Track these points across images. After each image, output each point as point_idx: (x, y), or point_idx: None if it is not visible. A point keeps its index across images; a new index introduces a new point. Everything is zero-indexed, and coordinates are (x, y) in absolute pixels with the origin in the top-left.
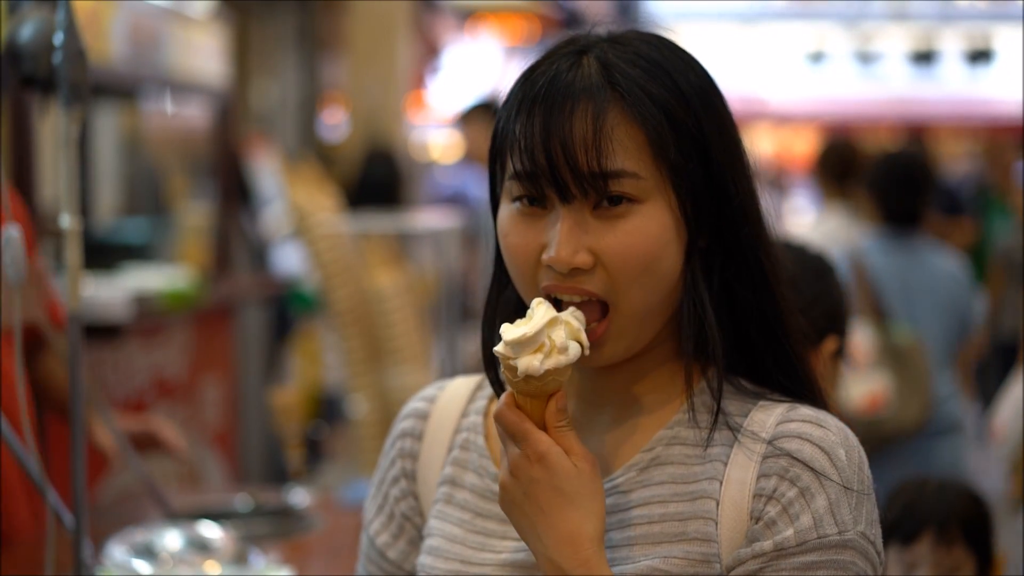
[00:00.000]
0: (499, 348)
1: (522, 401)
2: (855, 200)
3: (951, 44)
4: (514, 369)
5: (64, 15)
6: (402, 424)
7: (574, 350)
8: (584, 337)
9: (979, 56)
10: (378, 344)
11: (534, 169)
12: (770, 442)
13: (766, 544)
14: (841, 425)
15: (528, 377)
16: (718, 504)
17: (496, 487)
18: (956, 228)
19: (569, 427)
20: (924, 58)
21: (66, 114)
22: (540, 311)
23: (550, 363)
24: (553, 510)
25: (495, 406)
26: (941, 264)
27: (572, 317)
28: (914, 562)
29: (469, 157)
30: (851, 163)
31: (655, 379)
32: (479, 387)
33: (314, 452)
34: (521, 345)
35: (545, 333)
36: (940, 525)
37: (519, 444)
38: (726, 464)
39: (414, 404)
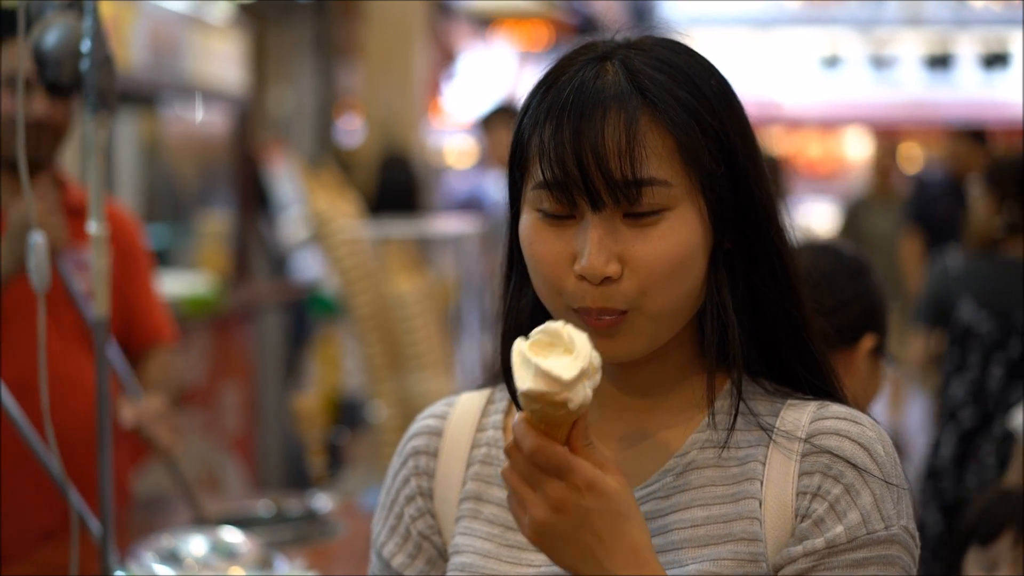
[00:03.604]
0: (541, 387)
1: (546, 428)
2: None
3: (966, 48)
4: (562, 403)
5: (91, 22)
6: (413, 442)
7: (599, 362)
8: (596, 355)
9: (995, 60)
10: (399, 350)
11: (565, 178)
12: (807, 440)
13: (818, 542)
14: (873, 421)
15: (579, 407)
16: (761, 504)
17: None
18: None
19: (592, 443)
20: (940, 62)
21: (92, 121)
22: (578, 338)
23: (590, 386)
24: (613, 533)
25: (524, 440)
26: None
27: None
28: (995, 560)
29: (489, 161)
30: None
31: (679, 383)
32: (490, 401)
33: (335, 458)
34: (578, 379)
35: (589, 359)
36: (1021, 525)
37: (563, 477)
38: (764, 464)
39: (424, 421)
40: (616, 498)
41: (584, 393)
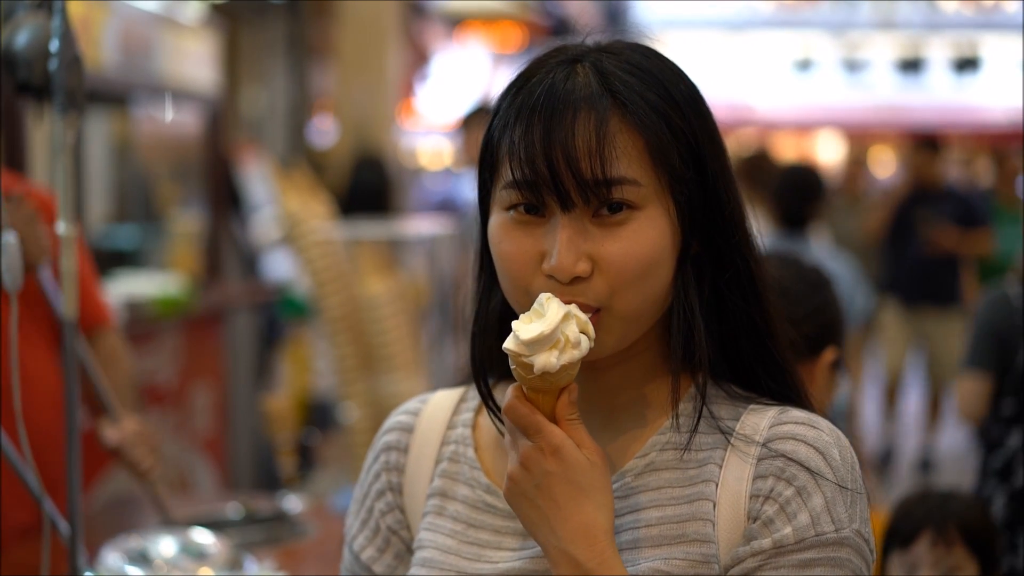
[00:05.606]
0: (512, 346)
1: (532, 395)
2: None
3: (938, 52)
4: (529, 367)
5: (60, 22)
6: (386, 438)
7: (585, 344)
8: (591, 329)
9: (966, 64)
10: (370, 351)
11: (535, 178)
12: (764, 444)
13: (765, 542)
14: (832, 426)
15: (544, 373)
16: (715, 506)
17: (488, 498)
18: (973, 240)
19: (579, 420)
20: (911, 66)
21: (61, 121)
22: (552, 307)
23: (565, 358)
24: (568, 503)
25: (507, 399)
26: (826, 263)
27: (578, 310)
28: (914, 563)
29: (469, 162)
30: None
31: (644, 385)
32: (463, 399)
33: (306, 459)
34: (538, 343)
35: (560, 329)
36: (937, 526)
37: (532, 437)
38: (721, 467)
39: (397, 417)
40: (578, 469)
41: (548, 360)
